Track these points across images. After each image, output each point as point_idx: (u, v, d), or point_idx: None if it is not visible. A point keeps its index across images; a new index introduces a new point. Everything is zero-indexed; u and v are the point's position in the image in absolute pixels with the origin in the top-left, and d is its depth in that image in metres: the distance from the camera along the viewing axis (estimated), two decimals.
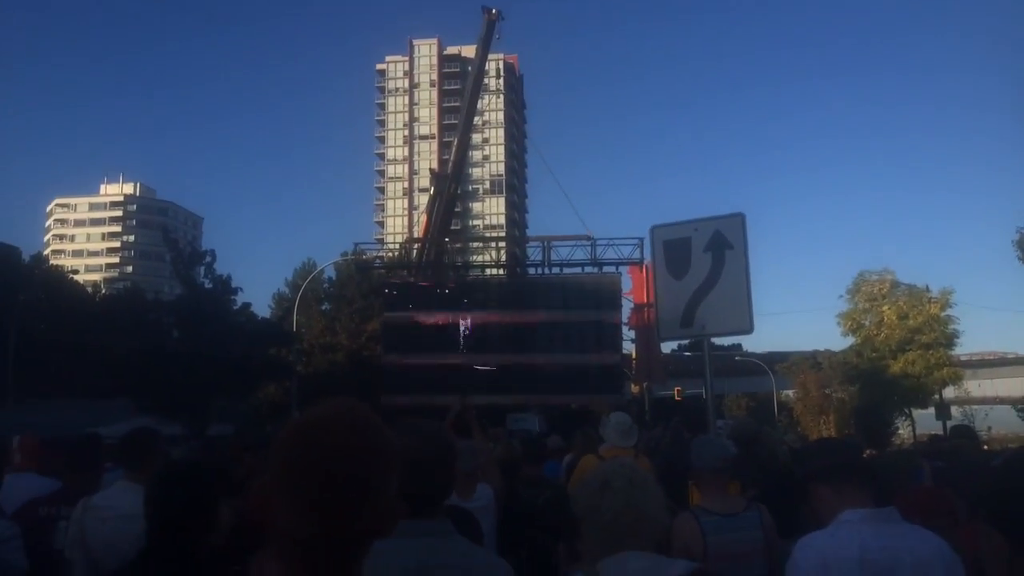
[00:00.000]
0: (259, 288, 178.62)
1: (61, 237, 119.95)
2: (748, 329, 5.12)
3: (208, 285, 31.38)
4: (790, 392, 49.85)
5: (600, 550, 2.25)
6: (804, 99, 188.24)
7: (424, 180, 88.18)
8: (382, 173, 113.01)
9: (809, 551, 2.71)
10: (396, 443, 1.26)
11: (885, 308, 37.32)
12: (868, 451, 12.68)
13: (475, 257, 35.72)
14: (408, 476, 2.05)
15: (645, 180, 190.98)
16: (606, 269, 31.55)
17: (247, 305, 34.01)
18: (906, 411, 38.28)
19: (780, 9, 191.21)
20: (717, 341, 5.21)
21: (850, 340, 39.25)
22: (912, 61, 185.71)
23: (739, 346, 62.29)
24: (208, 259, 31.76)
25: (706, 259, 5.19)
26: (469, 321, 30.64)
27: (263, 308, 41.94)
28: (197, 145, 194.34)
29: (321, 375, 34.69)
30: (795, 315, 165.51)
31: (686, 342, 54.58)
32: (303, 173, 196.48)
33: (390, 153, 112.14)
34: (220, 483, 3.05)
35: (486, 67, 38.90)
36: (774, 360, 50.06)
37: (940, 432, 21.50)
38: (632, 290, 32.21)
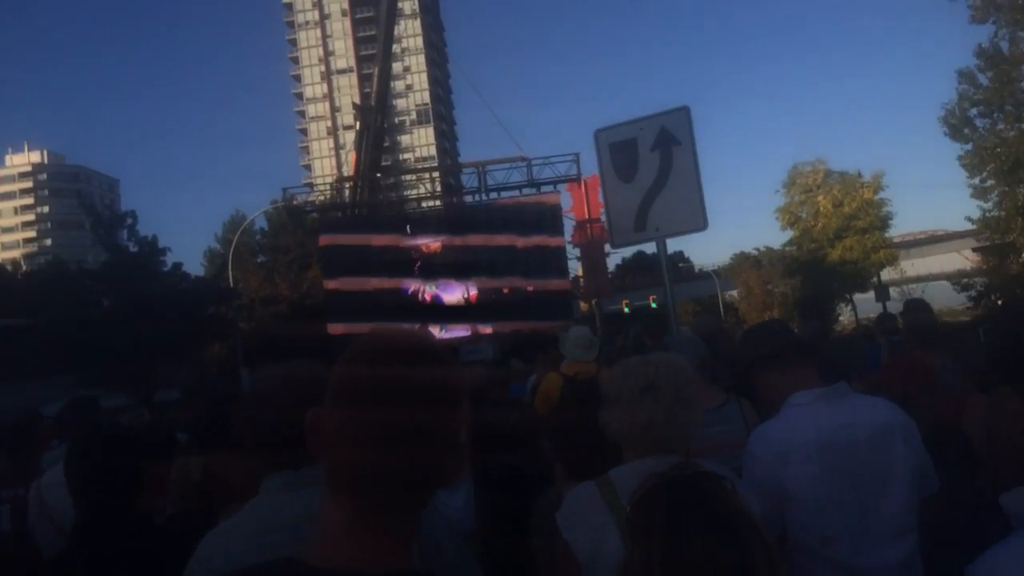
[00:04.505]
0: (190, 247, 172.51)
1: None
2: (702, 226, 5.03)
3: (133, 248, 30.03)
4: (735, 293, 50.76)
5: (628, 457, 2.10)
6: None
7: (348, 117, 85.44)
8: (303, 113, 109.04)
9: (764, 441, 2.59)
10: (466, 383, 1.15)
11: (820, 198, 37.86)
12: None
13: (410, 191, 34.67)
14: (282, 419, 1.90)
15: (580, 93, 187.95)
16: (544, 189, 31.04)
17: (178, 265, 32.73)
18: (847, 297, 39.35)
19: None
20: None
21: (789, 234, 39.93)
22: None
23: (681, 253, 62.90)
24: (129, 221, 30.33)
25: (654, 158, 5.04)
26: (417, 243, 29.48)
27: (196, 267, 40.52)
28: (101, 104, 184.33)
29: (265, 329, 33.83)
30: (738, 215, 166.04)
31: (630, 253, 54.84)
32: (220, 122, 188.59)
33: (308, 91, 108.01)
34: (169, 447, 3.23)
35: None
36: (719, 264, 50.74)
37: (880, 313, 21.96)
38: (573, 207, 31.79)
